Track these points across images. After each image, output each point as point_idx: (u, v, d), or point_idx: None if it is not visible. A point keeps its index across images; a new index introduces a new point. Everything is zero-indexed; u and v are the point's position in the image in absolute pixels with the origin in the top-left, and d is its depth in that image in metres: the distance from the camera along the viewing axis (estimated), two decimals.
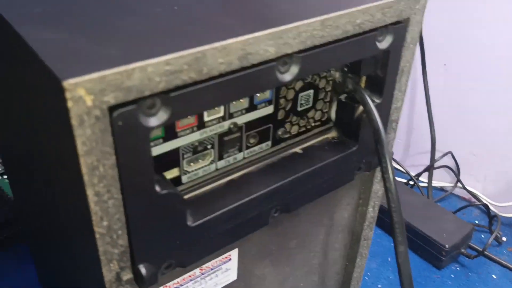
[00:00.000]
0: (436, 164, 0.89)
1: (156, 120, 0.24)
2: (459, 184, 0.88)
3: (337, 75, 0.36)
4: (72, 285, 0.39)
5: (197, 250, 0.31)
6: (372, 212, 0.43)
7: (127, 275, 0.28)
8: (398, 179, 0.89)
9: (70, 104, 0.21)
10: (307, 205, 0.38)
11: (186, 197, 0.31)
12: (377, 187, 0.42)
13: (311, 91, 0.36)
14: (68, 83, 0.20)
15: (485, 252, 0.74)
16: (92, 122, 0.22)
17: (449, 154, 0.88)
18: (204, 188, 0.32)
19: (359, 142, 0.37)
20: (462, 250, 0.75)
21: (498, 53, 0.77)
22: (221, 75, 0.26)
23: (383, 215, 0.79)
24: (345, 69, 0.36)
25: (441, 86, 0.85)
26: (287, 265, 0.41)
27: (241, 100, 0.31)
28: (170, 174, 0.31)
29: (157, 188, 0.26)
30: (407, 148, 0.95)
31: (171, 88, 0.24)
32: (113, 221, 0.25)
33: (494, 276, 0.73)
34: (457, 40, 0.81)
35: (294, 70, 0.29)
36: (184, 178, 0.31)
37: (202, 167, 0.32)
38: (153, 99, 0.24)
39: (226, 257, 0.35)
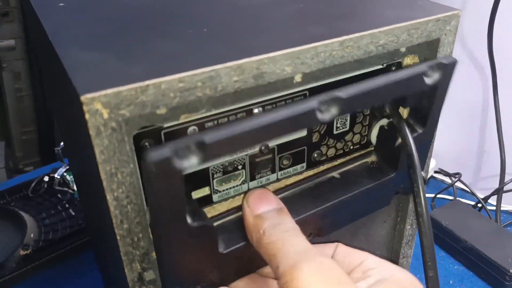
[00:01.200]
0: (507, 188, 0.84)
1: (188, 162, 0.24)
2: None
3: None
4: (116, 286, 0.42)
5: (227, 274, 0.32)
6: (410, 230, 0.43)
7: (150, 276, 0.30)
8: (466, 201, 0.86)
9: (87, 116, 0.23)
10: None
11: (218, 223, 0.33)
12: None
13: (348, 115, 0.36)
14: (85, 97, 0.23)
15: None
16: (108, 132, 0.24)
17: None
18: (236, 214, 0.33)
19: (398, 168, 0.36)
20: None
21: None
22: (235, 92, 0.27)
23: (444, 235, 0.77)
24: None
25: None
26: None
27: None
28: (201, 193, 0.32)
29: (189, 220, 0.28)
30: (477, 171, 0.92)
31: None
32: (133, 224, 0.28)
33: None
34: None
35: (334, 111, 0.28)
36: (215, 197, 0.33)
37: (234, 186, 0.33)
38: (187, 143, 0.24)
39: None
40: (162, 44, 0.29)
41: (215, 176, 0.32)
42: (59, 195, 0.85)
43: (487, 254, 0.72)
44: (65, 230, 0.79)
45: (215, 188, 0.32)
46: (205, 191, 0.32)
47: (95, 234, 0.55)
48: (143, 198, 0.29)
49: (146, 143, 0.28)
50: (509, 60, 0.79)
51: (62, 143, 0.86)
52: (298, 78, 0.30)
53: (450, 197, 0.89)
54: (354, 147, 0.38)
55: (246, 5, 0.36)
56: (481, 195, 0.87)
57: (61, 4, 0.37)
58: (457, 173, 0.91)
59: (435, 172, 0.96)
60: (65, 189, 0.85)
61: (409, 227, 0.43)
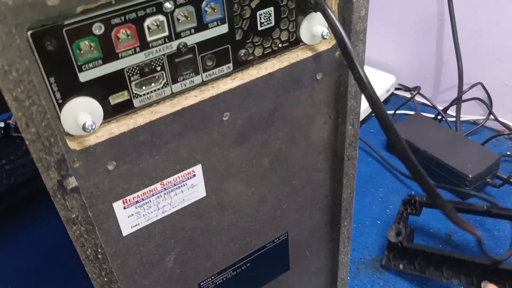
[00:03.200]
0: (466, 97, 0.85)
1: None
2: (491, 117, 0.84)
3: None
4: None
5: None
6: (352, 130, 0.42)
7: (71, 184, 0.29)
8: (426, 114, 0.87)
9: None
10: (277, 123, 0.38)
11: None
12: (353, 103, 0.41)
13: (271, 9, 0.34)
14: None
15: (511, 180, 0.71)
16: None
17: (480, 86, 0.84)
18: None
19: None
20: (488, 180, 0.72)
21: None
22: None
23: None
24: None
25: (469, 15, 0.81)
26: (262, 184, 0.41)
27: (187, 19, 0.31)
28: (120, 97, 0.31)
29: None
30: (436, 84, 0.92)
31: None
32: (41, 128, 0.27)
33: None
34: None
35: None
36: (136, 102, 0.32)
37: (155, 90, 0.32)
38: None
39: (189, 173, 0.36)
40: None
41: (132, 78, 0.31)
42: (17, 141, 0.84)
43: (446, 161, 0.73)
44: (26, 175, 0.79)
45: (135, 92, 0.31)
46: (124, 95, 0.31)
47: None
48: (53, 105, 0.28)
49: (48, 43, 0.26)
50: None
51: None
52: None
53: (411, 112, 0.90)
54: (283, 44, 0.37)
55: None
56: (441, 107, 0.87)
57: None
58: (416, 87, 0.91)
59: (396, 89, 0.96)
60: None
61: (350, 127, 0.42)
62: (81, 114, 0.29)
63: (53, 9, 0.25)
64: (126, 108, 0.31)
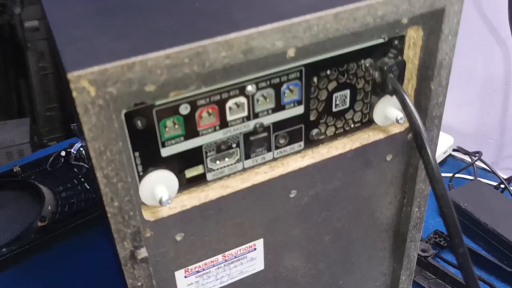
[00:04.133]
0: None
1: None
2: None
3: (376, 74, 0.35)
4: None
5: None
6: (418, 213, 0.42)
7: (142, 254, 0.30)
8: (487, 181, 0.84)
9: (74, 94, 0.23)
10: (342, 201, 0.38)
11: None
12: (422, 186, 0.40)
13: (347, 91, 0.35)
14: (72, 74, 0.23)
15: None
16: (96, 110, 0.24)
17: None
18: None
19: None
20: None
21: None
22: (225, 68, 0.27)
23: (462, 217, 0.75)
24: (384, 68, 0.34)
25: None
26: (321, 260, 0.41)
27: (266, 100, 0.32)
28: (195, 171, 0.32)
29: None
30: (499, 150, 0.89)
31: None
32: (123, 202, 0.27)
33: None
34: None
35: None
36: (209, 176, 0.32)
37: (228, 165, 0.33)
38: None
39: (250, 246, 0.36)
40: (152, 19, 0.29)
41: (208, 154, 0.31)
42: (75, 169, 0.86)
43: (508, 237, 0.70)
44: (80, 203, 0.81)
45: (209, 166, 0.32)
46: (199, 169, 0.32)
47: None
48: (134, 176, 0.29)
49: (138, 121, 0.27)
50: None
51: None
52: (291, 53, 0.29)
53: (470, 177, 0.87)
54: (355, 125, 0.37)
55: None
56: (504, 175, 0.84)
57: None
58: (477, 152, 0.88)
59: (454, 150, 0.94)
60: (81, 163, 0.87)
61: (416, 209, 0.42)
62: (159, 186, 0.30)
63: (149, 94, 0.26)
64: (199, 181, 0.32)
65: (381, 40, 0.33)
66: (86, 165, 0.86)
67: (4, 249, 0.73)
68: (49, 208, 0.80)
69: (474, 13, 0.82)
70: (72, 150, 0.87)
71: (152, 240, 0.31)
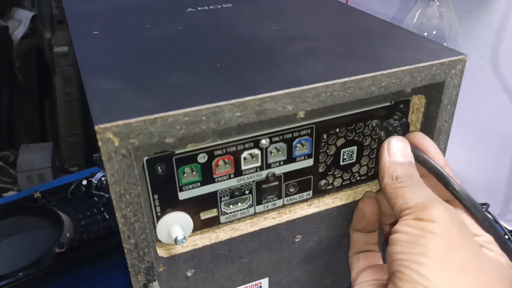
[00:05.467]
0: None
1: None
2: None
3: (382, 133, 0.38)
4: None
5: None
6: None
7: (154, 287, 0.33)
8: None
9: (100, 143, 0.26)
10: (344, 247, 0.40)
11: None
12: None
13: (355, 148, 0.37)
14: (99, 127, 0.26)
15: None
16: (119, 158, 0.27)
17: None
18: None
19: None
20: None
21: None
22: (239, 126, 0.30)
23: None
24: (390, 128, 0.37)
25: None
26: None
27: (278, 152, 0.34)
28: (209, 213, 0.35)
29: None
30: (507, 202, 0.90)
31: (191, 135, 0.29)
32: (139, 240, 0.30)
33: None
34: None
35: None
36: (222, 218, 0.35)
37: (240, 209, 0.36)
38: None
39: (256, 284, 0.39)
40: (175, 76, 0.32)
41: (223, 199, 0.34)
42: (95, 198, 0.90)
43: None
44: (98, 232, 0.83)
45: (223, 210, 0.35)
46: (213, 212, 0.34)
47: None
48: (151, 216, 0.32)
49: (159, 167, 0.30)
50: None
51: None
52: (301, 114, 0.32)
53: None
54: (361, 178, 0.39)
55: (264, 40, 0.39)
56: (509, 227, 0.86)
57: (95, 32, 0.41)
58: (485, 203, 0.90)
59: None
60: (102, 193, 0.90)
61: None
62: (175, 226, 0.32)
63: (168, 145, 0.29)
64: (213, 223, 0.35)
65: (388, 103, 0.36)
66: (106, 195, 0.89)
67: (20, 273, 0.75)
68: (68, 235, 0.82)
69: (490, 73, 0.85)
70: (93, 180, 0.90)
71: (165, 275, 0.34)
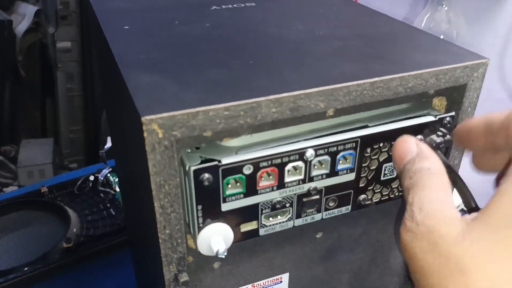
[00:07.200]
0: None
1: None
2: None
3: None
4: (150, 285, 0.46)
5: None
6: None
7: (184, 278, 0.33)
8: None
9: (145, 134, 0.27)
10: (362, 245, 0.42)
11: None
12: None
13: None
14: (145, 118, 0.27)
15: None
16: (162, 149, 0.28)
17: None
18: None
19: None
20: None
21: None
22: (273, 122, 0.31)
23: None
24: (433, 145, 0.36)
25: None
26: None
27: (322, 166, 0.34)
28: (249, 226, 0.35)
29: None
30: None
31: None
32: (174, 231, 0.31)
33: None
34: None
35: None
36: (262, 231, 0.35)
37: (280, 222, 0.35)
38: None
39: (277, 279, 0.39)
40: (213, 72, 0.33)
41: (263, 211, 0.34)
42: (102, 195, 0.90)
43: None
44: (105, 228, 0.84)
45: (262, 222, 0.35)
46: (253, 224, 0.34)
47: (134, 234, 0.59)
48: (185, 208, 0.33)
49: (205, 177, 0.30)
50: None
51: (106, 146, 0.91)
52: (330, 112, 0.33)
53: None
54: (399, 193, 0.39)
55: (292, 39, 0.40)
56: None
57: (126, 27, 0.41)
58: None
59: None
60: (108, 189, 0.91)
61: None
62: (216, 238, 0.32)
63: (206, 138, 0.30)
64: (252, 235, 0.35)
65: (432, 118, 0.36)
66: (112, 191, 0.90)
67: (27, 268, 0.76)
68: (75, 230, 0.83)
69: (496, 80, 0.86)
70: (99, 176, 0.91)
71: (193, 266, 0.35)
